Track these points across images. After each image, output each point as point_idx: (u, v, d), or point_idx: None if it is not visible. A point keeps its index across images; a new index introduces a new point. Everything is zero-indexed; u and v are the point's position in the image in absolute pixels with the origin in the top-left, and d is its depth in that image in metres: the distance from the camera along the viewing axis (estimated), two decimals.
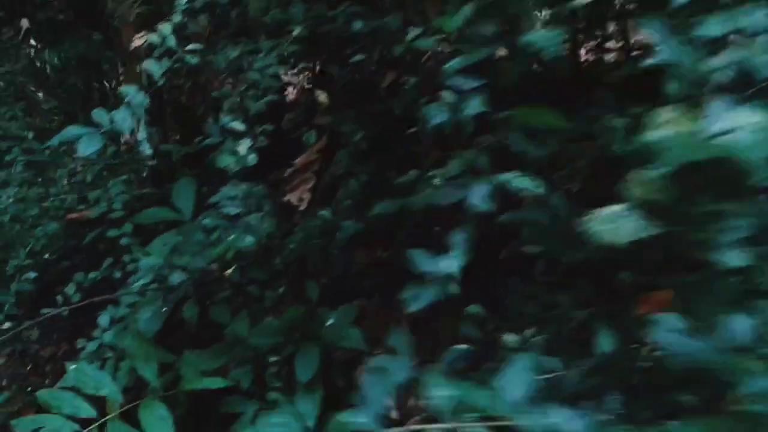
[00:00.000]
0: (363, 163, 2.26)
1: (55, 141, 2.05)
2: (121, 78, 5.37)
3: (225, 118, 2.11)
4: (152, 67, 2.07)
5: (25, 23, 4.72)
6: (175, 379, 2.41)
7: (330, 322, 2.28)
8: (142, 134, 3.75)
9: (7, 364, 3.69)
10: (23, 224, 2.71)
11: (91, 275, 2.41)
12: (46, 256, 2.76)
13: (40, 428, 2.07)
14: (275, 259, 2.38)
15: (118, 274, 2.37)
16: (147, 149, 3.73)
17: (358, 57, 2.23)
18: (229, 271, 2.23)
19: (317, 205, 2.69)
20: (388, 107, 2.26)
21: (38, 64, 4.14)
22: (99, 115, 2.07)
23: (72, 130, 2.05)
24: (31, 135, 3.06)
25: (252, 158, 1.97)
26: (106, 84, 4.17)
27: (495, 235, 2.38)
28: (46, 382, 3.40)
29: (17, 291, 2.57)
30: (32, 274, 2.67)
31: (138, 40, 2.21)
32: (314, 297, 2.37)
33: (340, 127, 2.32)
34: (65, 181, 3.00)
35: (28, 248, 2.62)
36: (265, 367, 2.26)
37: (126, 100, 2.06)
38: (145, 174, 3.72)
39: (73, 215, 2.83)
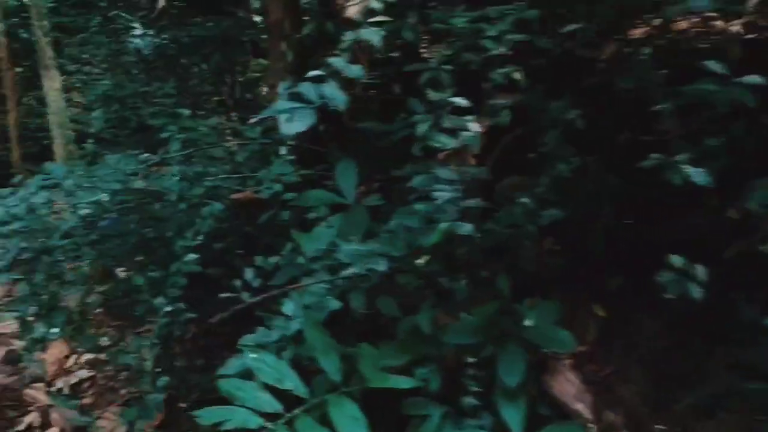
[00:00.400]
0: (576, 144, 2.00)
1: (265, 114, 1.90)
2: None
3: (434, 94, 1.89)
4: (372, 35, 1.86)
5: (161, 1, 4.69)
6: (349, 373, 2.24)
7: (529, 321, 2.04)
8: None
9: None
10: (189, 203, 2.59)
11: (272, 260, 2.25)
12: (200, 237, 2.63)
13: (225, 421, 1.93)
14: (460, 249, 2.15)
15: (301, 260, 2.20)
16: (287, 128, 3.60)
17: (572, 26, 1.97)
18: (421, 260, 2.02)
19: (477, 191, 2.46)
20: (605, 82, 1.99)
21: (177, 43, 4.07)
22: (307, 89, 1.90)
23: (282, 105, 1.89)
24: (187, 112, 2.95)
25: (476, 138, 1.75)
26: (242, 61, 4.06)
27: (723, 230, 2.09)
28: (178, 364, 3.32)
29: (184, 272, 2.45)
30: (194, 255, 2.55)
31: (352, 7, 2.01)
32: (506, 291, 2.13)
33: (543, 106, 2.06)
34: (222, 160, 2.89)
35: (194, 228, 2.49)
36: (457, 367, 2.05)
37: (334, 72, 1.88)
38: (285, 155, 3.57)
39: (238, 195, 2.70)
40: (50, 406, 3.55)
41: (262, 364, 2.06)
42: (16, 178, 2.82)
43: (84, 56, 7.10)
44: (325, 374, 2.20)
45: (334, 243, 2.41)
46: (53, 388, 3.72)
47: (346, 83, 1.99)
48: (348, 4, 2.05)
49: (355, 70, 1.88)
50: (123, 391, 3.56)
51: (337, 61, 1.91)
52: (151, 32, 4.52)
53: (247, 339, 2.38)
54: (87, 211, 2.46)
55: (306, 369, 2.35)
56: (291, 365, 2.28)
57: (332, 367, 2.11)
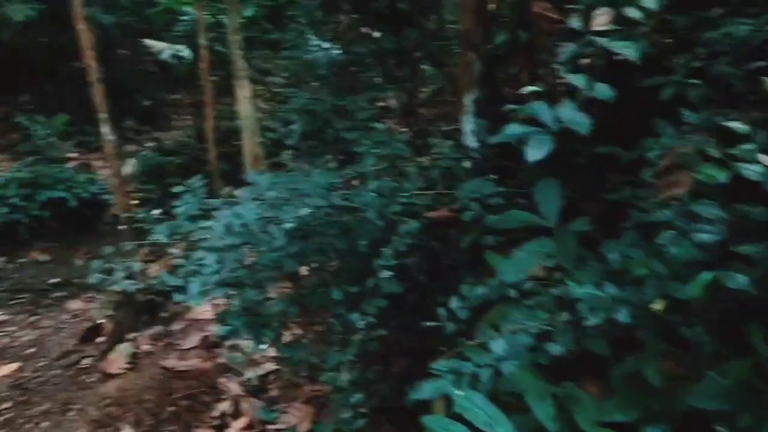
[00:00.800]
0: None
1: (497, 140, 1.61)
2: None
3: (690, 114, 1.49)
4: (626, 48, 1.51)
5: (344, 17, 4.57)
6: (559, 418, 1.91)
7: None
8: (468, 124, 3.31)
9: None
10: (385, 220, 2.38)
11: (479, 290, 1.97)
12: (391, 254, 2.40)
13: None
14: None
15: (512, 292, 1.90)
16: (472, 141, 3.28)
17: None
18: (658, 305, 1.64)
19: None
20: None
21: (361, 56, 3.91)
22: (541, 110, 1.59)
23: (514, 129, 1.61)
24: (381, 127, 2.75)
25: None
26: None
27: None
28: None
29: (383, 293, 2.24)
30: (389, 273, 2.33)
31: (601, 17, 1.66)
32: (760, 348, 1.69)
33: None
34: (416, 176, 2.65)
35: (392, 246, 2.28)
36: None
37: (568, 89, 1.55)
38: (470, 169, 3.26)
39: (434, 213, 2.46)
40: (241, 396, 3.55)
41: (470, 404, 1.79)
42: (224, 189, 2.77)
43: (267, 66, 7.28)
44: (531, 417, 1.89)
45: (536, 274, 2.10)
46: (243, 378, 3.72)
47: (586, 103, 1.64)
48: (597, 14, 1.67)
49: (603, 90, 1.53)
50: (306, 388, 3.48)
51: (576, 79, 1.57)
52: (336, 46, 4.42)
53: (441, 364, 2.12)
54: (291, 225, 2.32)
55: (502, 403, 2.05)
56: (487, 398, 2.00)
57: (546, 415, 1.79)
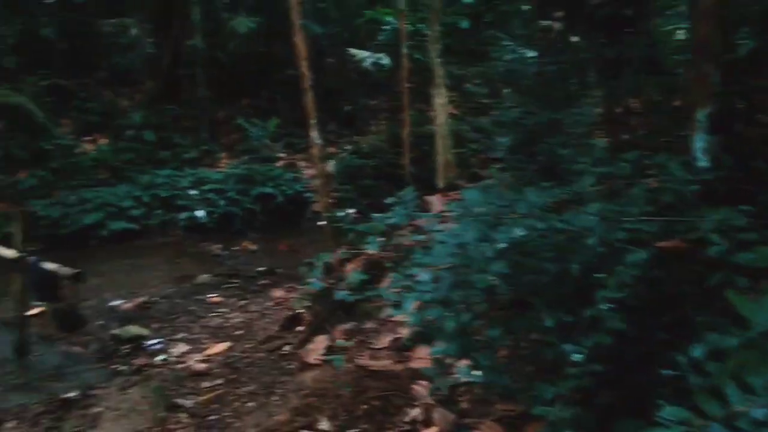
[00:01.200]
0: None
1: None
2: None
3: None
4: None
5: (557, 25, 4.36)
6: None
7: None
8: (698, 142, 2.95)
9: None
10: (608, 247, 2.19)
11: (732, 341, 1.72)
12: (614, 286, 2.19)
13: None
14: None
15: None
16: (703, 160, 2.92)
17: None
18: None
19: None
20: None
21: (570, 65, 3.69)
22: None
23: None
24: (601, 143, 2.55)
25: None
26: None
27: None
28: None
29: (607, 329, 2.06)
30: (610, 305, 2.14)
31: None
32: None
33: None
34: (642, 199, 2.42)
35: (617, 278, 2.09)
36: None
37: None
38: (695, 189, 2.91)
39: (665, 243, 2.21)
40: (432, 404, 3.53)
41: None
42: (434, 205, 2.76)
43: (463, 74, 7.24)
44: None
45: None
46: (433, 386, 3.70)
47: None
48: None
49: None
50: (498, 407, 3.36)
51: None
52: (539, 54, 4.24)
53: (668, 413, 1.89)
54: (503, 245, 2.24)
55: None
56: None
57: None
